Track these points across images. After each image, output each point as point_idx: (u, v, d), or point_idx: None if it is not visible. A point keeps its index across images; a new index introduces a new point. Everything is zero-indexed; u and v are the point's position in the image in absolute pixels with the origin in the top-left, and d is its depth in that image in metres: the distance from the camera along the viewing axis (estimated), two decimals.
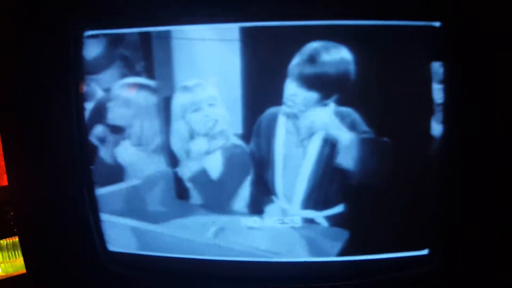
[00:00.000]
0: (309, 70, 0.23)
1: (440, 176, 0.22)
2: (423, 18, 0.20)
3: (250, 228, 0.24)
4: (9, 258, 0.37)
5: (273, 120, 0.24)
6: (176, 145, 0.24)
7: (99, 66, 0.23)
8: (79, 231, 0.24)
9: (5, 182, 0.38)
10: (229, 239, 0.25)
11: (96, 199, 0.22)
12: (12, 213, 0.38)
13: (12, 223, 0.37)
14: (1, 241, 0.37)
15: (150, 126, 0.23)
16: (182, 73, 0.23)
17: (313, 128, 0.24)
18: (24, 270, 0.37)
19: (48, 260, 0.25)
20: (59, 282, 0.26)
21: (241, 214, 0.24)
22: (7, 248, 0.37)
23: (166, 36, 0.22)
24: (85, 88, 0.23)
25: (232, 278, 0.25)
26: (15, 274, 0.36)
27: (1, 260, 0.36)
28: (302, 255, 0.24)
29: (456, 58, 0.20)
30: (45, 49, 0.21)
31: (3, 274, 0.36)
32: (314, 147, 0.24)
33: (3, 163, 0.38)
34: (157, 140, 0.24)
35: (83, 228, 0.23)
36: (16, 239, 0.38)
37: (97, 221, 0.23)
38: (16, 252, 0.38)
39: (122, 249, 0.23)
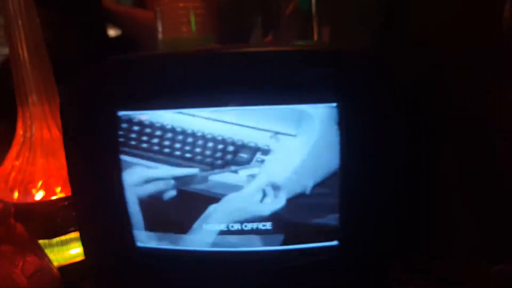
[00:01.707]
0: None
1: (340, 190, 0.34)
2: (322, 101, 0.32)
3: None
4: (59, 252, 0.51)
5: None
6: None
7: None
8: (117, 229, 0.36)
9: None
10: None
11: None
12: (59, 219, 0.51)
13: (60, 226, 0.51)
14: (53, 240, 0.51)
15: None
16: None
17: None
18: (70, 261, 0.51)
19: (96, 252, 0.38)
20: (103, 270, 0.38)
21: None
22: (56, 244, 0.51)
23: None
24: None
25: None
26: (63, 264, 0.50)
27: (54, 254, 0.50)
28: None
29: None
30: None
31: (57, 264, 0.48)
32: None
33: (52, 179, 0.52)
34: None
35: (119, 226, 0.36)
36: (62, 237, 0.51)
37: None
38: (64, 247, 0.51)
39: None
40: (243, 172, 0.33)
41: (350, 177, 0.33)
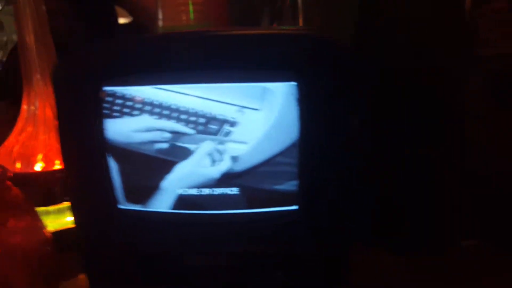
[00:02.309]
0: None
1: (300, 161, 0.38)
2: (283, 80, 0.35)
3: None
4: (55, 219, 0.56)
5: None
6: None
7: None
8: (103, 195, 0.41)
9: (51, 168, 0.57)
10: None
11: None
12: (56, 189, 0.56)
13: (57, 195, 0.56)
14: (49, 208, 0.56)
15: None
16: None
17: None
18: (65, 227, 0.56)
19: (86, 216, 0.42)
20: (91, 230, 0.43)
21: None
22: (53, 212, 0.56)
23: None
24: None
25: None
26: (59, 229, 0.54)
27: (51, 220, 0.55)
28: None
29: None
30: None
31: (52, 229, 0.52)
32: None
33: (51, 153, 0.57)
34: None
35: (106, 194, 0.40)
36: (58, 206, 0.56)
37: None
38: (60, 215, 0.56)
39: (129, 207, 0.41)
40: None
41: (308, 148, 0.37)
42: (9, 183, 0.42)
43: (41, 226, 0.45)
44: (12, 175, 0.41)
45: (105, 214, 0.41)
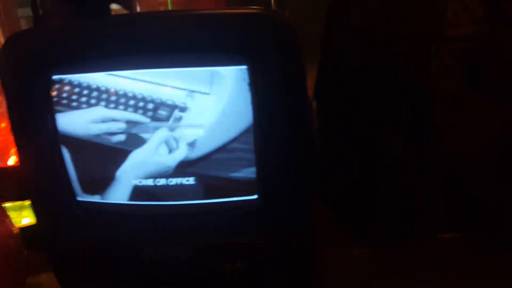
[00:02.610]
0: None
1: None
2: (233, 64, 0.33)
3: None
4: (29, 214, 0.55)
5: None
6: None
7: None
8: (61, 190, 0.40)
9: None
10: None
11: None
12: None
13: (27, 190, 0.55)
14: (24, 202, 0.55)
15: None
16: None
17: None
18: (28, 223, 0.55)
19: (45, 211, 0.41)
20: (52, 224, 0.42)
21: None
22: (27, 207, 0.55)
23: None
24: None
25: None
26: (22, 226, 0.53)
27: (24, 215, 0.54)
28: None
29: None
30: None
31: (26, 224, 0.52)
32: None
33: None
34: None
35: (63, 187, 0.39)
36: (20, 203, 0.55)
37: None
38: (22, 211, 0.55)
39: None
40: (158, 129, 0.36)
41: (263, 134, 0.35)
42: None
43: (8, 222, 0.44)
44: None
45: (64, 207, 0.40)
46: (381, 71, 0.44)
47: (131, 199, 0.39)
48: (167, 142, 0.36)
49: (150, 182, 0.38)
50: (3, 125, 0.56)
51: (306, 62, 0.35)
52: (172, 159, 0.37)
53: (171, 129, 0.36)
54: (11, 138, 0.56)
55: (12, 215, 0.46)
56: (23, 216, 0.54)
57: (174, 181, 0.38)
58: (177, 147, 0.36)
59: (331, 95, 0.48)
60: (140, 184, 0.38)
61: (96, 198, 0.39)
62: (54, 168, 0.39)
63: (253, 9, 0.33)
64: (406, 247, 0.44)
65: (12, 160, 0.55)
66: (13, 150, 0.55)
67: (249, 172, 0.37)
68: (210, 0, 0.70)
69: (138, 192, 0.38)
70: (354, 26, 0.45)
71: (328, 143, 0.47)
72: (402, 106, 0.43)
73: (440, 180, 0.44)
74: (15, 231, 0.44)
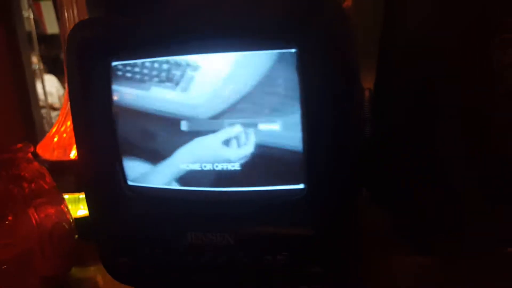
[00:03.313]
0: None
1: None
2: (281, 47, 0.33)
3: None
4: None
5: None
6: None
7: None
8: (113, 175, 0.41)
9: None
10: None
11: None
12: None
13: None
14: (69, 195, 0.58)
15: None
16: None
17: None
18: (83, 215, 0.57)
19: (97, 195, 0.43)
20: (103, 209, 0.43)
21: None
22: (71, 200, 0.58)
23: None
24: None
25: None
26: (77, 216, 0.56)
27: (80, 207, 0.57)
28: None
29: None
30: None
31: (81, 215, 0.54)
32: None
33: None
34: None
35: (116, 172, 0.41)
36: (77, 194, 0.58)
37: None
38: (78, 203, 0.58)
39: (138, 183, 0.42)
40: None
41: (311, 120, 0.34)
42: (45, 171, 0.44)
43: (65, 209, 0.46)
44: (32, 149, 0.44)
45: (115, 193, 0.41)
46: (440, 68, 0.42)
47: (177, 183, 0.39)
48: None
49: (196, 166, 0.38)
50: (68, 123, 0.60)
51: (361, 52, 0.34)
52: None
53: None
54: (73, 135, 0.59)
55: (69, 206, 0.48)
56: (78, 208, 0.56)
57: (220, 166, 0.38)
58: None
59: (391, 89, 0.47)
60: (188, 168, 0.38)
61: (144, 183, 0.40)
62: (108, 154, 0.40)
63: None
64: (472, 258, 0.41)
65: (72, 154, 0.58)
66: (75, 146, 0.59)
67: (295, 161, 0.36)
68: None
69: (185, 176, 0.39)
70: (412, 21, 0.44)
71: (387, 141, 0.46)
72: (462, 105, 0.41)
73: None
74: (70, 219, 0.45)
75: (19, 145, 0.43)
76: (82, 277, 0.49)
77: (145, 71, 0.39)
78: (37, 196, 0.41)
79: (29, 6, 2.67)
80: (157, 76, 0.38)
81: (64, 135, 0.59)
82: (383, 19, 0.49)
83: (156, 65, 0.38)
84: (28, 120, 1.68)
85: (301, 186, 0.36)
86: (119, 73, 0.39)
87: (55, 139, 0.59)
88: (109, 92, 0.40)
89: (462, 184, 0.42)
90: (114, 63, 0.39)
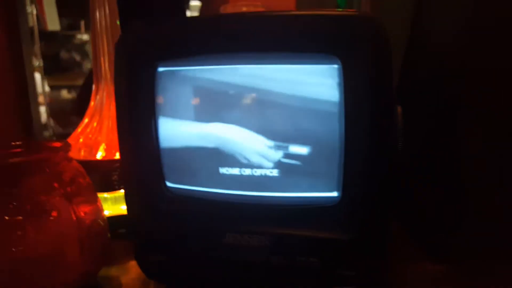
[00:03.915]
0: None
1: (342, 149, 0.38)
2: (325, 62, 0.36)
3: None
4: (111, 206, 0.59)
5: None
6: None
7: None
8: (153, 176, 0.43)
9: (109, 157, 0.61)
10: None
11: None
12: (114, 177, 0.60)
13: (115, 183, 0.59)
14: (107, 195, 0.59)
15: None
16: None
17: None
18: (118, 213, 0.59)
19: (136, 195, 0.45)
20: (142, 209, 0.45)
21: None
22: (110, 199, 0.59)
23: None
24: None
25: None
26: (113, 215, 0.57)
27: (106, 206, 0.58)
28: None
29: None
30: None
31: (107, 215, 0.55)
32: None
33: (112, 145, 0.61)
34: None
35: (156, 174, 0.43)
36: (115, 193, 0.60)
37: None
38: (115, 202, 0.60)
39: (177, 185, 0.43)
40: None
41: (350, 132, 0.37)
42: (83, 170, 0.46)
43: (99, 206, 0.48)
44: (71, 147, 0.45)
45: (154, 193, 0.43)
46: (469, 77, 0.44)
47: (216, 187, 0.41)
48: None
49: (236, 171, 0.40)
50: (94, 124, 0.62)
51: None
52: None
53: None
54: (100, 136, 0.61)
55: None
56: (110, 206, 0.58)
57: (259, 172, 0.40)
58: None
59: (414, 99, 0.49)
60: (227, 173, 0.41)
61: (184, 184, 0.42)
62: (149, 155, 0.42)
63: (350, 11, 0.36)
64: (487, 265, 0.43)
65: (99, 155, 0.59)
66: (102, 146, 0.60)
67: (331, 170, 0.38)
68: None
69: (224, 180, 0.41)
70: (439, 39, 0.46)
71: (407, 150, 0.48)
72: (488, 112, 0.43)
73: None
74: (104, 217, 0.47)
75: (60, 144, 0.45)
76: (104, 275, 0.50)
77: (189, 79, 0.41)
78: (77, 194, 0.43)
79: (32, 1, 2.67)
80: (202, 86, 0.40)
81: (90, 135, 0.61)
82: (409, 36, 0.52)
83: (200, 74, 0.40)
84: (26, 116, 1.68)
85: (335, 194, 0.39)
86: (164, 78, 0.41)
87: (80, 140, 0.61)
88: (153, 97, 0.42)
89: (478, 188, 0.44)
90: (160, 69, 0.41)
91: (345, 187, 0.38)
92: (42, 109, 2.48)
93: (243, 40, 0.38)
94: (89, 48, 3.53)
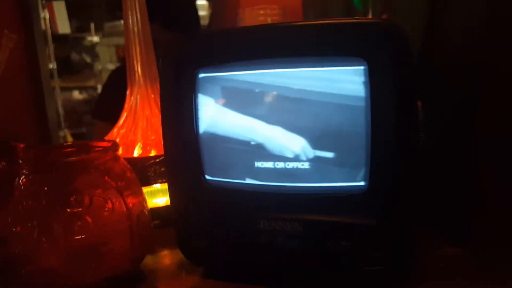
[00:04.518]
0: None
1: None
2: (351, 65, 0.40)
3: None
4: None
5: None
6: None
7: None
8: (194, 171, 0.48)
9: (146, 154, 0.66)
10: None
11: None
12: (150, 173, 0.64)
13: (151, 178, 0.64)
14: (144, 189, 0.64)
15: None
16: None
17: None
18: (155, 206, 0.64)
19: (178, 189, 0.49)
20: (183, 200, 0.50)
21: None
22: (146, 193, 0.64)
23: None
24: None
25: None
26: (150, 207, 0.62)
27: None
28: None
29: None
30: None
31: None
32: None
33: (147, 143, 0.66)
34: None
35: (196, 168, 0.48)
36: (151, 188, 0.64)
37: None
38: (151, 196, 0.64)
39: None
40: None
41: (376, 127, 0.41)
42: (129, 166, 0.51)
43: (143, 199, 0.52)
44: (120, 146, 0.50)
45: (194, 186, 0.48)
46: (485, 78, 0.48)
47: (251, 179, 0.46)
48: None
49: (270, 165, 0.45)
50: (129, 125, 0.66)
51: None
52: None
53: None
54: (135, 135, 0.66)
55: None
56: (147, 199, 0.62)
57: (291, 165, 0.44)
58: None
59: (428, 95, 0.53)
60: (262, 166, 0.45)
61: (222, 177, 0.47)
62: (190, 151, 0.47)
63: (373, 19, 0.40)
64: (506, 250, 0.46)
65: (135, 153, 0.64)
66: (138, 145, 0.65)
67: (359, 161, 0.42)
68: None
69: (259, 173, 0.45)
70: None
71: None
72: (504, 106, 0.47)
73: None
74: (148, 208, 0.52)
75: (109, 144, 0.49)
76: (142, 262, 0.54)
77: (227, 83, 0.45)
78: (126, 187, 0.47)
79: (44, 6, 2.72)
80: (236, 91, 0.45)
81: (127, 136, 0.66)
82: (425, 32, 0.55)
83: (239, 78, 0.45)
84: (42, 117, 1.74)
85: (362, 183, 0.43)
86: (204, 83, 0.46)
87: (117, 140, 0.65)
88: (195, 100, 0.46)
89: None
90: (200, 75, 0.46)
91: (372, 177, 0.42)
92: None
93: (274, 47, 0.42)
94: (99, 49, 3.60)
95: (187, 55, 0.46)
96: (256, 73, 0.44)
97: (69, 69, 3.37)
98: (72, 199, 0.44)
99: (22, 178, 0.45)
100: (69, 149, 0.50)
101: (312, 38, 0.42)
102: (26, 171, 0.45)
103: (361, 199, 0.43)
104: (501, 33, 0.45)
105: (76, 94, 3.52)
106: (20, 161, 0.45)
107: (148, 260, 0.55)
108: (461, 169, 0.52)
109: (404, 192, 0.42)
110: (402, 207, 0.43)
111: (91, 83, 3.47)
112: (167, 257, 0.57)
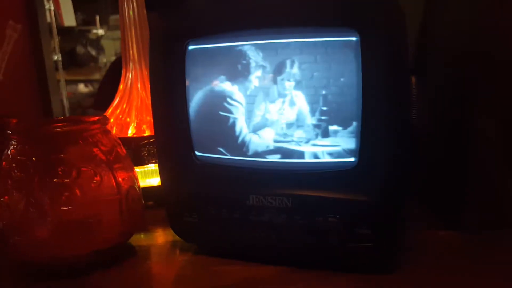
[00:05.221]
0: None
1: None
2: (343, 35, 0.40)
3: None
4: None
5: None
6: None
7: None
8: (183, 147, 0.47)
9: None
10: None
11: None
12: (144, 153, 0.64)
13: (144, 158, 0.64)
14: (137, 168, 0.64)
15: None
16: None
17: None
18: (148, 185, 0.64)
19: (168, 164, 0.49)
20: (173, 177, 0.49)
21: None
22: (139, 173, 0.64)
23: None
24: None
25: None
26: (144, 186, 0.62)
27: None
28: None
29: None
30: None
31: None
32: None
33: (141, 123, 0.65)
34: None
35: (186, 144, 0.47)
36: (144, 168, 0.64)
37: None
38: (145, 176, 0.64)
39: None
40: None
41: (367, 102, 0.40)
42: (119, 141, 0.50)
43: (135, 176, 0.52)
44: (110, 122, 0.49)
45: (184, 162, 0.47)
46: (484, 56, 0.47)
47: (241, 154, 0.45)
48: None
49: (259, 140, 0.44)
50: (124, 105, 0.66)
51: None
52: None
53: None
54: (130, 115, 0.65)
55: None
56: (140, 179, 0.62)
57: (280, 139, 0.44)
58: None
59: (428, 72, 0.52)
60: (251, 141, 0.44)
61: (211, 153, 0.47)
62: (180, 127, 0.47)
63: None
64: (499, 235, 0.46)
65: (130, 133, 0.64)
66: (133, 125, 0.65)
67: (349, 137, 0.42)
68: None
69: (248, 148, 0.45)
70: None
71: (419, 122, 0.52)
72: (500, 89, 0.46)
73: None
74: (139, 184, 0.51)
75: (98, 118, 0.49)
76: (136, 241, 0.54)
77: (216, 55, 0.45)
78: (116, 161, 0.47)
79: None
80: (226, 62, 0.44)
81: (121, 116, 0.65)
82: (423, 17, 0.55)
83: (225, 51, 0.44)
84: (47, 109, 1.76)
85: (352, 159, 0.42)
86: (194, 56, 0.45)
87: (111, 120, 0.65)
88: (185, 73, 0.46)
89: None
90: (190, 47, 0.45)
91: (362, 153, 0.41)
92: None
93: (264, 17, 0.42)
94: (104, 42, 3.61)
95: (176, 27, 0.46)
96: (246, 44, 0.43)
97: (75, 62, 3.38)
98: (59, 169, 0.43)
99: (11, 148, 0.44)
100: (60, 123, 0.49)
101: (304, 8, 0.41)
102: (14, 141, 0.44)
103: (351, 174, 0.42)
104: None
105: (82, 87, 3.53)
106: (9, 132, 0.44)
107: (141, 238, 0.55)
108: (458, 150, 0.51)
109: (395, 168, 0.42)
110: (392, 183, 0.42)
111: (96, 76, 3.48)
112: (160, 236, 0.57)
